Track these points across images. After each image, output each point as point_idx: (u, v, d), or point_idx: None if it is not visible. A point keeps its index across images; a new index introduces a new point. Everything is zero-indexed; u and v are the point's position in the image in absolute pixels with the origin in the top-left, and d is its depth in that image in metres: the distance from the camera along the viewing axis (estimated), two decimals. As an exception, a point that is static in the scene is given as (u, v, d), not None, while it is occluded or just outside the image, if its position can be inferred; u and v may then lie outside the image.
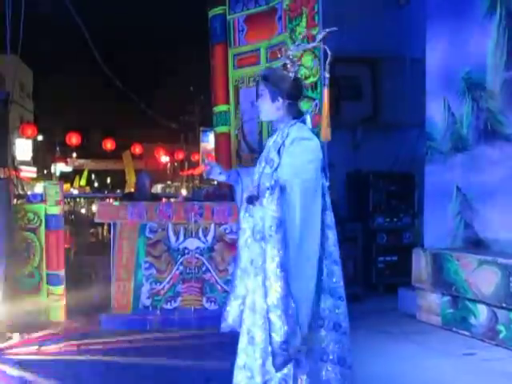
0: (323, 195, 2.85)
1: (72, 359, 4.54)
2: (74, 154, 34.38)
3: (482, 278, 5.00)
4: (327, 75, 2.97)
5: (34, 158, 27.51)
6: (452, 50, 5.91)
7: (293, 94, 2.96)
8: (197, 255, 5.60)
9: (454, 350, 4.78)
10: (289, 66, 2.97)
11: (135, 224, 5.60)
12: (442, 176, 5.95)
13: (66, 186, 22.10)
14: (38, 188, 16.62)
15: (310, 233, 2.76)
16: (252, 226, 2.88)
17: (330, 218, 2.91)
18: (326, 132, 2.96)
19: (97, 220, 5.91)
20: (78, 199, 12.13)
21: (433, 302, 5.64)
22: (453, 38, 5.90)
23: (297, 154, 2.82)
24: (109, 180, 39.37)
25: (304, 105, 3.60)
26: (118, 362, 4.45)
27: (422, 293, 5.80)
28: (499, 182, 5.34)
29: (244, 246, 2.94)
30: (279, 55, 3.09)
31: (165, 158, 32.88)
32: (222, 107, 7.24)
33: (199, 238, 5.63)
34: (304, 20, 5.92)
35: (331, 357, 2.81)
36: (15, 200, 6.54)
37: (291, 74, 2.95)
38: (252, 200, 2.81)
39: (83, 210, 12.55)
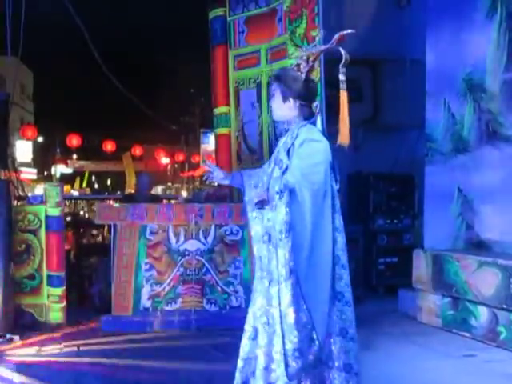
0: (332, 197, 2.83)
1: (72, 361, 4.53)
2: (75, 156, 34.33)
3: (483, 280, 5.00)
4: (343, 78, 2.92)
5: (34, 159, 27.53)
6: (452, 51, 5.91)
7: (304, 95, 2.92)
8: (197, 257, 5.60)
9: (455, 352, 4.78)
10: (302, 66, 2.94)
11: (135, 225, 5.60)
12: (443, 177, 5.95)
13: (67, 187, 22.06)
14: (39, 189, 16.66)
15: (321, 236, 2.74)
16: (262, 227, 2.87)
17: (339, 221, 2.89)
18: (343, 135, 2.89)
19: (97, 221, 5.89)
20: (78, 201, 12.14)
21: (433, 303, 5.63)
22: (453, 39, 5.90)
23: (306, 155, 2.79)
24: (109, 181, 39.32)
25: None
26: (118, 363, 4.44)
27: (422, 294, 5.80)
28: (500, 183, 5.34)
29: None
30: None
31: (165, 160, 32.81)
32: (222, 109, 7.23)
33: (199, 240, 5.63)
34: (304, 21, 5.92)
35: (337, 363, 2.77)
36: (15, 201, 6.54)
37: (303, 75, 2.92)
38: (262, 204, 2.81)
39: (83, 212, 12.59)
